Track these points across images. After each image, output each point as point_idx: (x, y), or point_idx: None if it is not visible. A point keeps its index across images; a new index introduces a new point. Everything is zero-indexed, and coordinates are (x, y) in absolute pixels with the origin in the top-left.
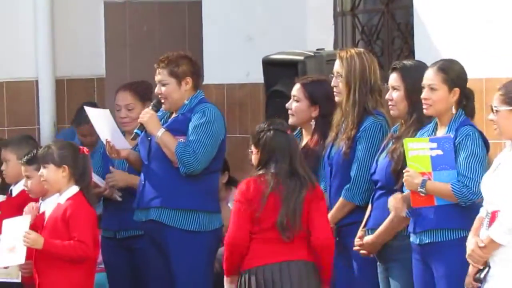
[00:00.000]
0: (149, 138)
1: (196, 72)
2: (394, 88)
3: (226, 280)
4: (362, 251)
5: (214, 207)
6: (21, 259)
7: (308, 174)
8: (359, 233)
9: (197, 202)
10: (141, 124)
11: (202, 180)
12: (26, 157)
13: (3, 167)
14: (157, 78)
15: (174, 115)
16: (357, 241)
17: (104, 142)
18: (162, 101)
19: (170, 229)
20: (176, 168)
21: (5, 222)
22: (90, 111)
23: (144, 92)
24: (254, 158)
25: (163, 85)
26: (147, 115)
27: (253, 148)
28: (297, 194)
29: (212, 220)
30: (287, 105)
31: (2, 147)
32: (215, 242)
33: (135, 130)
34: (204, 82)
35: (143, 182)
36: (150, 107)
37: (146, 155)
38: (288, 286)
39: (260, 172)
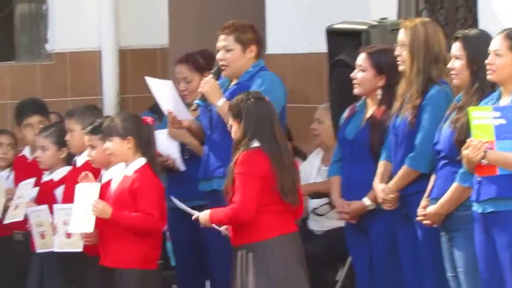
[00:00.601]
0: (209, 108)
1: (260, 41)
2: (456, 58)
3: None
4: (425, 221)
5: None
6: (90, 228)
7: (286, 142)
8: (423, 202)
9: None
10: (202, 94)
11: None
12: (90, 126)
13: (67, 137)
14: (221, 44)
15: (233, 82)
16: (420, 211)
17: (166, 113)
18: (223, 68)
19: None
20: None
21: (78, 186)
22: (151, 81)
23: (201, 63)
24: (235, 130)
25: (228, 50)
26: (207, 84)
27: (232, 120)
28: (289, 161)
29: None
30: (352, 74)
31: (66, 118)
32: None
33: (195, 101)
34: (267, 52)
35: (206, 152)
36: (211, 76)
37: (208, 125)
38: (298, 255)
39: (255, 144)
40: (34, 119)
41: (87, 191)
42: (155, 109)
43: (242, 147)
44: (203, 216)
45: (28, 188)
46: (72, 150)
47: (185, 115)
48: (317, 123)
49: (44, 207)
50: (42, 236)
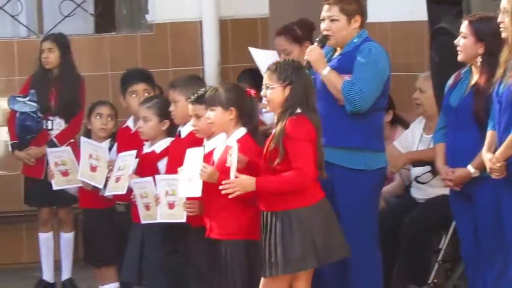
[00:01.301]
0: (313, 77)
1: (364, 11)
2: None
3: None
4: None
5: (380, 146)
6: (198, 192)
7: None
8: None
9: (362, 140)
10: (308, 62)
11: (367, 118)
12: (194, 95)
13: (171, 108)
14: (326, 14)
15: (337, 52)
16: None
17: None
18: (328, 38)
19: (336, 167)
20: (342, 106)
21: (187, 151)
22: (254, 52)
23: (300, 33)
24: (278, 93)
25: (333, 20)
26: (313, 52)
27: (275, 83)
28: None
29: (377, 159)
30: (455, 41)
31: (170, 89)
32: (380, 180)
33: None
34: (368, 21)
35: None
36: (316, 44)
37: None
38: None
39: (299, 110)
40: (140, 87)
41: (194, 156)
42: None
43: (285, 113)
44: (244, 182)
45: (129, 160)
46: (176, 121)
47: None
48: (419, 92)
49: (149, 179)
50: (147, 207)
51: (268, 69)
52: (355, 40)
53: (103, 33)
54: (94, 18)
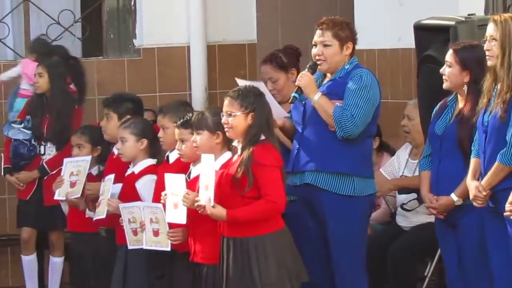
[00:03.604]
0: (303, 102)
1: (355, 39)
2: None
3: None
4: None
5: (369, 172)
6: (183, 220)
7: None
8: (510, 198)
9: (352, 166)
10: (299, 87)
11: (357, 145)
12: (181, 120)
13: (160, 134)
14: (319, 39)
15: (328, 78)
16: (508, 206)
17: None
18: (319, 62)
19: (325, 193)
20: (332, 131)
21: (166, 177)
22: (242, 83)
23: (286, 61)
24: (240, 121)
25: (325, 46)
26: (304, 78)
27: (237, 110)
28: None
29: (366, 185)
30: (441, 70)
31: (160, 114)
32: (369, 207)
33: (293, 94)
34: (357, 47)
35: (297, 146)
36: (306, 70)
37: (300, 119)
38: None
39: (263, 137)
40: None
41: (175, 182)
42: None
43: (252, 140)
44: (216, 212)
45: (108, 184)
46: (165, 147)
47: (280, 113)
48: (407, 119)
49: (138, 203)
50: (135, 232)
51: (229, 96)
52: (346, 67)
53: (91, 57)
54: (81, 42)
